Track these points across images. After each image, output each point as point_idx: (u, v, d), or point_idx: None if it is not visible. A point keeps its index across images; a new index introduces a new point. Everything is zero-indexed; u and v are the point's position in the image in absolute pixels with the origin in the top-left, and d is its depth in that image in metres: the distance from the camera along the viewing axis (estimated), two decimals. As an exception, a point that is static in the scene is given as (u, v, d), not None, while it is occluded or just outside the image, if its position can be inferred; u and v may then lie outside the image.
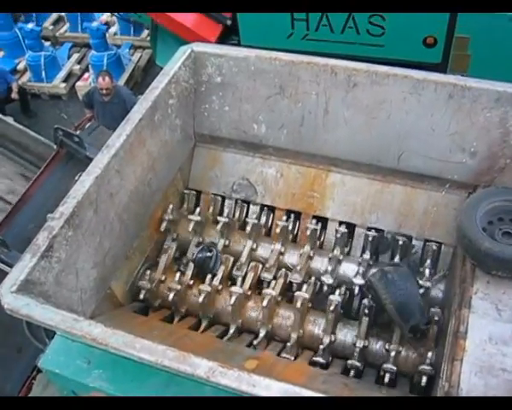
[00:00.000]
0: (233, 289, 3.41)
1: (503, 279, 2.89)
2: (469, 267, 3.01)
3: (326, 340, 3.27)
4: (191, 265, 3.62)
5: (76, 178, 3.21)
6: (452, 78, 3.43)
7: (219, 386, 2.33)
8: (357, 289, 3.45)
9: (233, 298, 3.36)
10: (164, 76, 3.67)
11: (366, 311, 3.21)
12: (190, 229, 3.73)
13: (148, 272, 3.60)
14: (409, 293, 3.11)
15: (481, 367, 2.56)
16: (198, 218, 3.75)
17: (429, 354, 3.06)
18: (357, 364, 3.20)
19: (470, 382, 2.52)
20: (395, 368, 3.11)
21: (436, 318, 3.11)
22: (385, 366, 3.14)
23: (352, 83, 3.50)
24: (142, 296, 3.54)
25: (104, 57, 9.52)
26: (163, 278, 3.61)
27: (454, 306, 2.95)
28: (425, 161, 3.53)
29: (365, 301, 3.24)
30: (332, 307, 3.23)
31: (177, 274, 3.57)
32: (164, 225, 3.77)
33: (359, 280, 3.44)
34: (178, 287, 3.51)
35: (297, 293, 3.30)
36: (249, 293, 3.49)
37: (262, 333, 3.38)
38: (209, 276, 3.53)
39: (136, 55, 10.34)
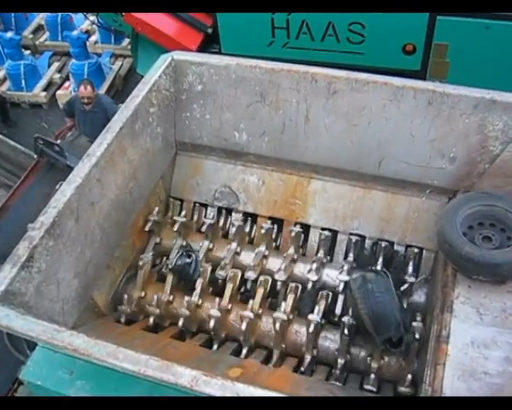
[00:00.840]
0: (217, 300, 3.42)
1: (483, 284, 2.91)
2: (451, 272, 3.03)
3: (308, 356, 3.29)
4: (170, 277, 3.57)
5: (57, 187, 3.19)
6: (431, 84, 3.48)
7: (203, 395, 2.32)
8: (340, 297, 3.46)
9: (215, 312, 3.36)
10: (144, 84, 3.66)
11: (346, 331, 3.18)
12: (176, 228, 3.73)
13: (129, 287, 3.59)
14: (386, 305, 3.08)
15: (464, 371, 2.58)
16: (183, 219, 3.77)
17: (408, 376, 3.04)
18: (339, 373, 3.22)
19: (453, 386, 2.54)
20: (375, 389, 3.11)
21: (417, 334, 3.08)
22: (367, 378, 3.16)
23: (332, 90, 3.52)
24: (123, 320, 3.52)
25: (85, 66, 9.44)
26: (142, 294, 3.57)
27: (436, 310, 2.97)
28: (405, 166, 3.56)
29: (345, 318, 3.20)
30: (311, 328, 3.23)
31: (156, 295, 3.54)
32: (149, 225, 3.76)
33: (341, 282, 3.45)
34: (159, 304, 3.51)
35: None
36: (230, 307, 3.45)
37: (245, 348, 3.40)
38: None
39: (116, 64, 10.28)
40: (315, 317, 3.25)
